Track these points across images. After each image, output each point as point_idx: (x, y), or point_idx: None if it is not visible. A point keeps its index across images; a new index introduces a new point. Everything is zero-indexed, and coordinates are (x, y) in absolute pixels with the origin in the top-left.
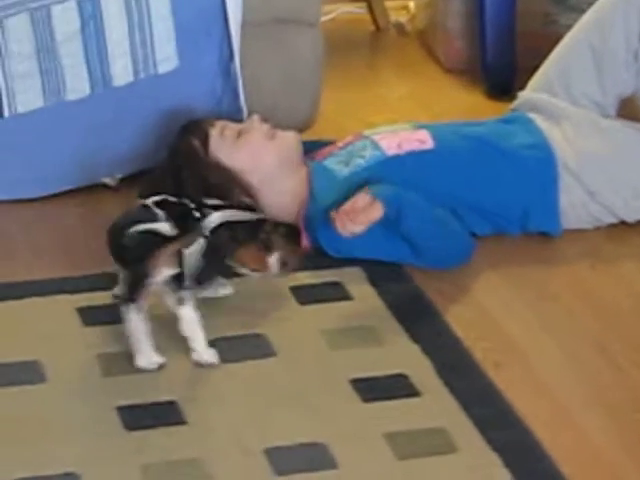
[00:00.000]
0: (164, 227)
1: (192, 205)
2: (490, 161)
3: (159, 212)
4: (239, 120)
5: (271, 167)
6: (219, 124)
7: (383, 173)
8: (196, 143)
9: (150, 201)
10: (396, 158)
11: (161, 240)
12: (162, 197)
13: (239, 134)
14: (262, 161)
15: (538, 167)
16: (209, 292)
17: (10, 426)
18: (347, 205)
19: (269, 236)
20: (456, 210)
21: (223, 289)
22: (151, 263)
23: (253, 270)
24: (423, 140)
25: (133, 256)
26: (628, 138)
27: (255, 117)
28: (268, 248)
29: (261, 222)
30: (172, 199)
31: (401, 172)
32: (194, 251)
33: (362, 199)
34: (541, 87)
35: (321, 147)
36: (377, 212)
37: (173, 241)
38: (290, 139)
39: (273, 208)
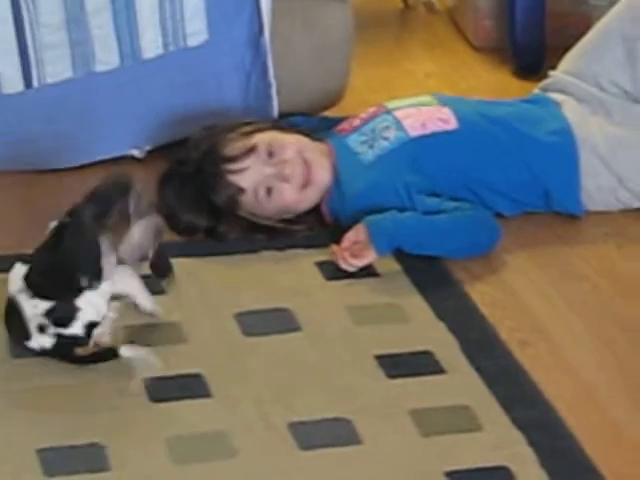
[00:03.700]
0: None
1: None
2: (512, 145)
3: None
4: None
5: (308, 207)
6: (250, 186)
7: (407, 156)
8: (227, 197)
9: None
10: (420, 139)
11: None
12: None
13: (271, 189)
14: (298, 209)
15: (560, 153)
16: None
17: (37, 395)
18: (346, 240)
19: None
20: (478, 192)
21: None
22: None
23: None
24: (446, 120)
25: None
26: None
27: (288, 160)
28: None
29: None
30: None
31: (424, 154)
32: None
33: (363, 233)
34: (570, 73)
35: (340, 122)
36: (370, 257)
37: None
38: (324, 176)
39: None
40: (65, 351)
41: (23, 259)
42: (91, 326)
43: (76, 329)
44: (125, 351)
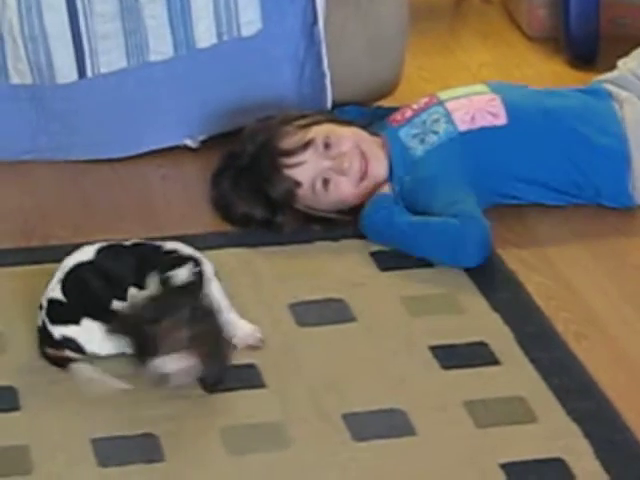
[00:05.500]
0: None
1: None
2: (563, 143)
3: None
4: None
5: (364, 200)
6: (307, 180)
7: (454, 151)
8: (284, 190)
9: None
10: (468, 134)
11: None
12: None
13: (328, 182)
14: (355, 201)
15: (612, 154)
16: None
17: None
18: None
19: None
20: (526, 186)
21: None
22: None
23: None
24: (496, 114)
25: None
26: None
27: (345, 153)
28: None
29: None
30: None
31: (471, 149)
32: None
33: None
34: (633, 72)
35: (394, 111)
36: None
37: None
38: (381, 169)
39: None
40: (41, 338)
41: (105, 247)
42: (71, 343)
43: (55, 331)
44: (76, 368)
